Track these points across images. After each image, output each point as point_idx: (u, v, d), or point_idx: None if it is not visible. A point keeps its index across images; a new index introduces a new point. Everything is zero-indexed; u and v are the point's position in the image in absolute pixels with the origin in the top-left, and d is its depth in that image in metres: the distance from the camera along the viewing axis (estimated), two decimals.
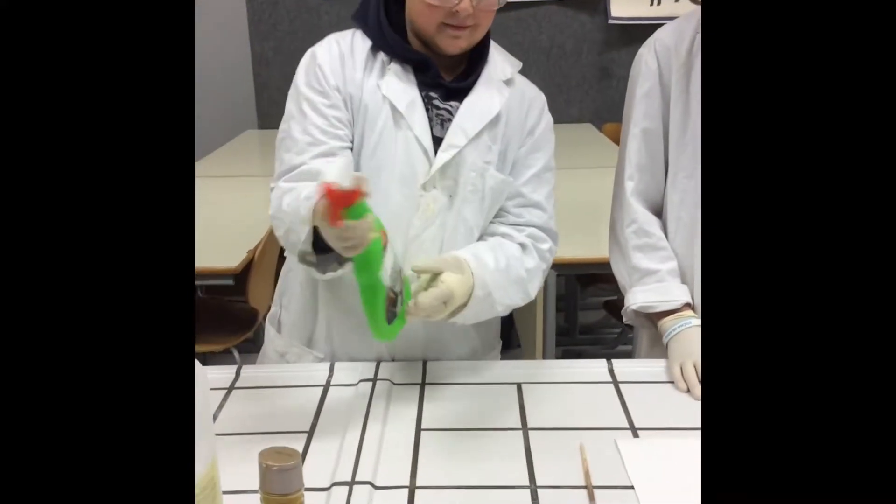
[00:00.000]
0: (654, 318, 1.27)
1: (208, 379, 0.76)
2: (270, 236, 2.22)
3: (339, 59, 1.15)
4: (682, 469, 0.94)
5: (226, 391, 1.17)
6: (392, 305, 1.01)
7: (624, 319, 1.33)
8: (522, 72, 1.25)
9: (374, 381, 1.17)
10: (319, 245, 1.03)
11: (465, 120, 1.16)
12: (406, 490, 0.92)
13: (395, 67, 1.16)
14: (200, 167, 3.22)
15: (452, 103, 1.17)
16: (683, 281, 1.27)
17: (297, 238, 1.03)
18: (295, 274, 1.27)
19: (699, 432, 1.01)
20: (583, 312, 3.25)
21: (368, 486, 0.92)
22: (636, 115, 1.28)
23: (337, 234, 0.91)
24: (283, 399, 1.15)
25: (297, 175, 1.10)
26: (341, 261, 1.05)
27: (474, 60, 1.19)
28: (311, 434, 1.05)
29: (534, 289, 1.21)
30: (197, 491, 0.72)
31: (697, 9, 1.27)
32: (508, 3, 1.16)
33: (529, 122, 1.22)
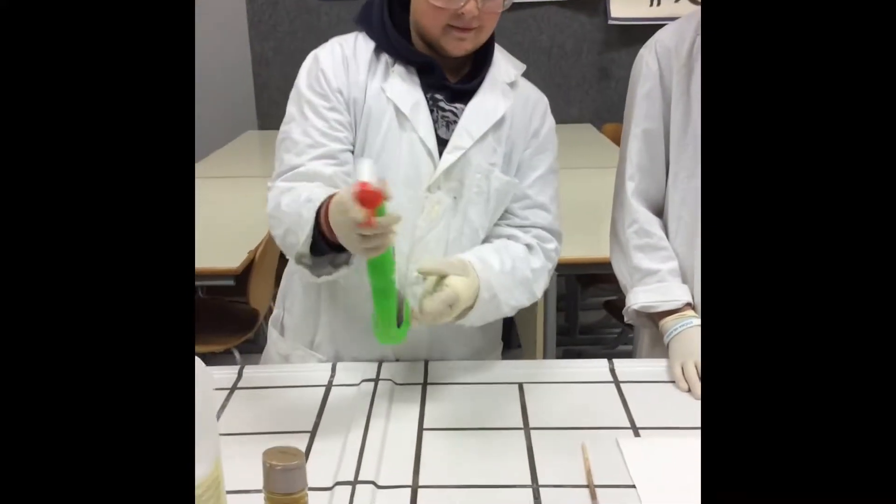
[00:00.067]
0: (655, 318, 1.28)
1: (212, 379, 0.76)
2: (271, 237, 2.22)
3: (342, 62, 1.16)
4: (683, 468, 0.94)
5: (228, 391, 1.17)
6: (398, 309, 1.01)
7: (625, 319, 1.34)
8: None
9: (376, 381, 1.18)
10: (315, 248, 1.03)
11: (470, 122, 1.17)
12: (409, 489, 0.93)
13: (399, 69, 1.16)
14: (201, 168, 3.23)
15: (458, 105, 1.17)
16: (684, 281, 1.27)
17: (295, 239, 1.03)
18: (297, 276, 1.28)
19: (699, 432, 1.02)
20: (583, 312, 3.26)
21: (371, 486, 0.92)
22: (637, 115, 1.28)
23: (359, 235, 0.90)
24: (285, 399, 1.16)
25: (295, 175, 1.11)
26: (337, 264, 1.05)
27: (479, 62, 1.20)
28: (313, 434, 1.05)
29: (539, 289, 1.22)
30: (201, 490, 0.72)
31: (698, 10, 1.27)
32: None
33: (533, 124, 1.23)
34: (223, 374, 1.21)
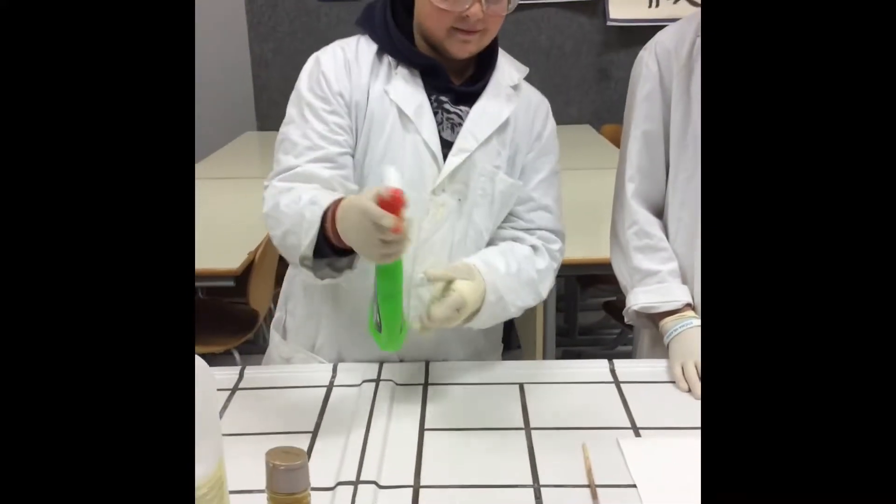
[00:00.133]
0: (655, 319, 1.28)
1: (215, 379, 0.76)
2: (270, 238, 2.23)
3: (345, 65, 1.16)
4: (683, 468, 0.95)
5: (230, 392, 1.18)
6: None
7: (625, 320, 1.34)
8: None
9: (377, 381, 1.18)
10: (317, 251, 1.03)
11: (475, 125, 1.17)
12: (410, 489, 0.93)
13: (402, 71, 1.16)
14: (200, 169, 3.23)
15: (462, 108, 1.18)
16: (684, 281, 1.27)
17: (297, 241, 1.03)
18: (299, 279, 1.28)
19: (700, 431, 1.02)
20: (582, 313, 3.26)
21: (373, 486, 0.92)
22: (637, 117, 1.29)
23: (381, 241, 0.91)
24: (286, 399, 1.16)
25: (292, 176, 1.11)
26: (338, 268, 1.05)
27: (482, 65, 1.20)
28: (315, 434, 1.06)
29: (545, 289, 1.23)
30: (204, 490, 0.73)
31: (698, 11, 1.28)
32: None
33: (536, 127, 1.24)
34: (224, 375, 1.21)
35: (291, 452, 0.75)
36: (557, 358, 2.51)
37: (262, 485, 0.76)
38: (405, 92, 1.15)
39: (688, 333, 1.22)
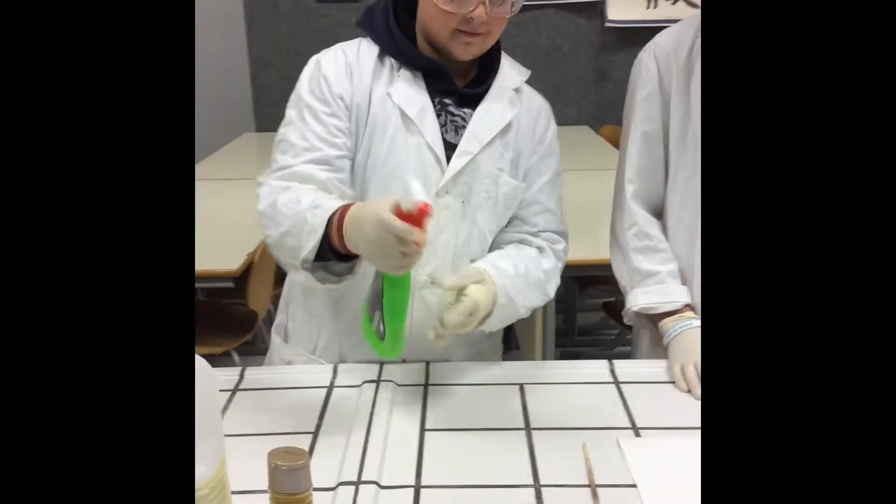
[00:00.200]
0: (654, 319, 1.28)
1: (216, 380, 0.76)
2: None
3: (346, 68, 1.15)
4: (683, 468, 0.95)
5: (230, 392, 1.18)
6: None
7: (625, 320, 1.35)
8: None
9: (377, 382, 1.18)
10: (318, 255, 1.02)
11: (478, 127, 1.17)
12: (412, 489, 0.93)
13: (405, 74, 1.16)
14: (199, 170, 3.23)
15: (466, 110, 1.18)
16: (683, 282, 1.28)
17: (296, 243, 1.02)
18: (299, 283, 1.28)
19: (699, 432, 1.03)
20: (581, 314, 3.26)
21: (374, 486, 0.92)
22: (636, 118, 1.29)
23: (401, 253, 0.91)
24: (287, 400, 1.16)
25: (289, 175, 1.10)
26: (338, 273, 1.05)
27: (485, 68, 1.20)
28: (315, 434, 1.06)
29: (552, 289, 1.24)
30: (206, 491, 0.73)
31: (697, 13, 1.28)
32: None
33: (539, 130, 1.24)
34: (225, 376, 1.22)
35: (293, 452, 0.76)
36: (556, 359, 2.51)
37: (264, 485, 0.76)
38: (408, 94, 1.15)
39: (687, 334, 1.22)
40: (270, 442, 0.87)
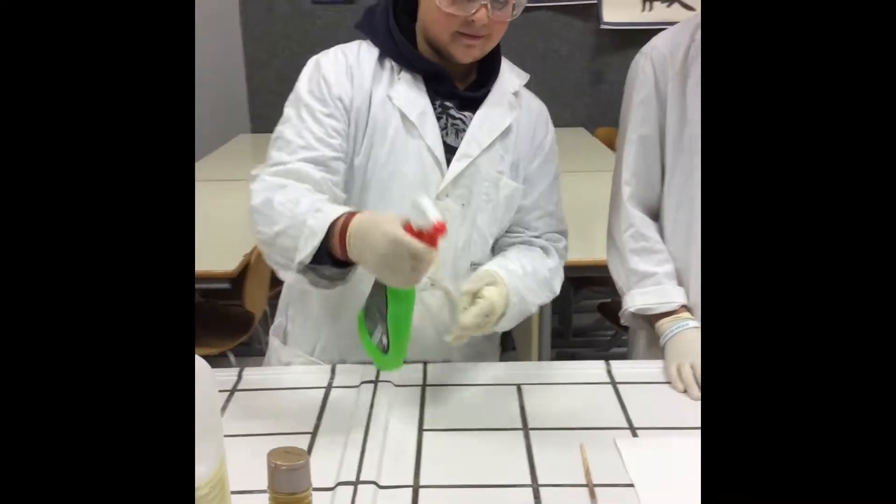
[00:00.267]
0: (651, 320, 1.29)
1: (216, 380, 0.77)
2: None
3: (346, 69, 1.15)
4: (680, 467, 0.96)
5: (228, 393, 1.18)
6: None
7: (621, 321, 1.35)
8: None
9: (375, 382, 1.18)
10: (314, 259, 1.01)
11: (478, 130, 1.18)
12: (410, 489, 0.93)
13: (405, 76, 1.16)
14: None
15: (466, 113, 1.18)
16: (680, 283, 1.28)
17: (292, 244, 1.01)
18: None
19: (696, 431, 1.03)
20: (576, 315, 3.27)
21: (373, 486, 0.93)
22: (633, 121, 1.30)
23: (413, 271, 0.91)
24: (285, 401, 1.16)
25: (284, 171, 1.09)
26: (332, 278, 1.04)
27: (485, 71, 1.21)
28: (314, 435, 1.06)
29: (558, 285, 1.27)
30: (206, 490, 0.73)
31: (692, 16, 1.29)
32: None
33: (538, 134, 1.25)
34: (223, 377, 1.22)
35: (293, 452, 0.76)
36: (552, 359, 2.52)
37: (262, 485, 0.76)
38: (408, 97, 1.15)
39: (684, 335, 1.23)
40: (268, 442, 0.88)
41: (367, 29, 1.20)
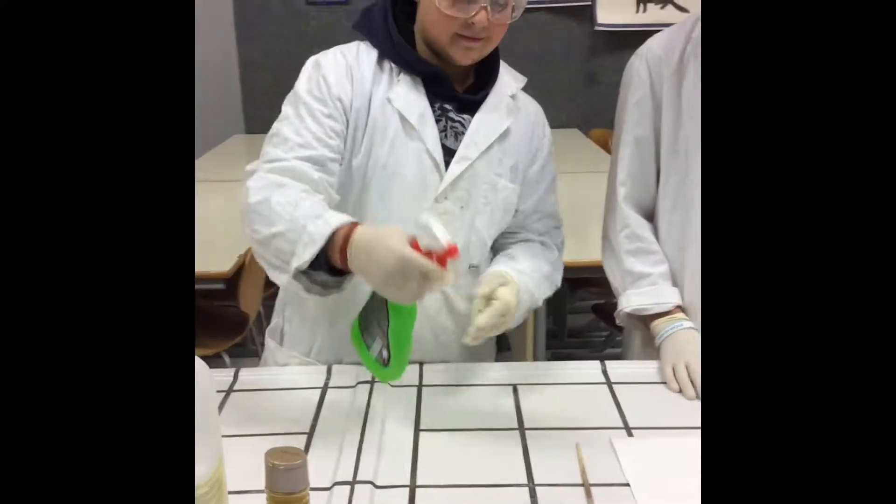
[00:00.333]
0: (646, 321, 1.30)
1: (214, 380, 0.77)
2: None
3: (346, 70, 1.15)
4: (675, 466, 0.96)
5: (224, 393, 1.18)
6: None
7: (617, 322, 1.36)
8: None
9: (371, 382, 1.19)
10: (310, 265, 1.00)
11: (477, 133, 1.18)
12: (407, 489, 0.94)
13: (404, 78, 1.16)
14: None
15: (465, 116, 1.19)
16: (675, 284, 1.29)
17: (289, 248, 0.99)
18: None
19: (691, 431, 1.04)
20: (571, 316, 3.28)
21: (370, 486, 0.93)
22: (628, 123, 1.31)
23: (419, 290, 0.91)
24: (281, 401, 1.16)
25: (281, 169, 1.08)
26: (326, 285, 1.02)
27: (483, 74, 1.21)
28: (310, 435, 1.06)
29: (559, 278, 1.30)
30: (204, 490, 0.73)
31: (687, 18, 1.30)
32: None
33: (536, 137, 1.26)
34: (219, 377, 1.21)
35: (290, 452, 0.76)
36: (547, 360, 2.52)
37: (259, 485, 0.77)
38: (408, 99, 1.15)
39: (679, 335, 1.24)
40: (265, 442, 0.88)
41: (365, 30, 1.20)
